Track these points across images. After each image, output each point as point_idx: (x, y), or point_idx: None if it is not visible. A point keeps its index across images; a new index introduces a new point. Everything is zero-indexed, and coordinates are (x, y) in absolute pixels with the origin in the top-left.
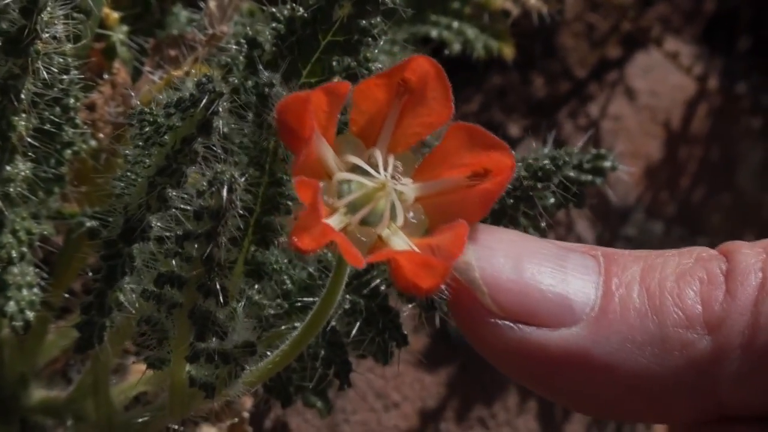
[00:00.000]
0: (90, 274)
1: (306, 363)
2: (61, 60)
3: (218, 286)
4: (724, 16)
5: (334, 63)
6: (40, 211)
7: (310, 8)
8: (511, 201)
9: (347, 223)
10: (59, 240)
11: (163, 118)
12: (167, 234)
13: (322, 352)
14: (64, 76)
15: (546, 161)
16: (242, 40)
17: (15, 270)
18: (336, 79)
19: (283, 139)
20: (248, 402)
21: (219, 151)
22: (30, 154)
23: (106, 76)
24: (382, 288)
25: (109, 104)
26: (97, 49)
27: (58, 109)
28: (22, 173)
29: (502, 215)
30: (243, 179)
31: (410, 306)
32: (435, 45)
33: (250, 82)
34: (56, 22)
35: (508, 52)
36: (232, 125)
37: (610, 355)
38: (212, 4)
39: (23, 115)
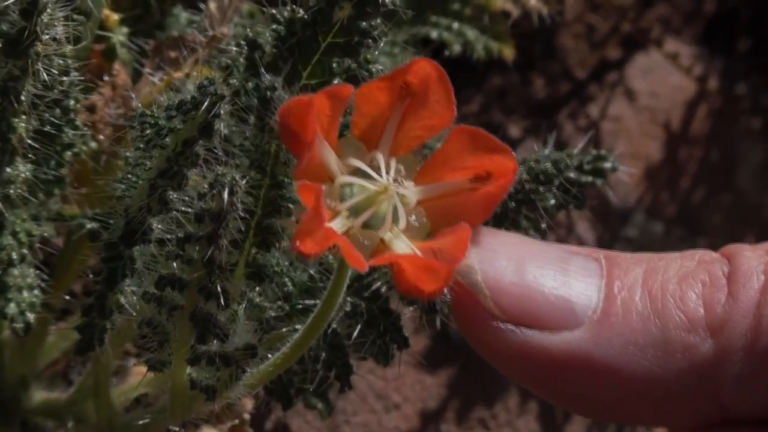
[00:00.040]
0: (90, 276)
1: (307, 365)
2: (61, 62)
3: (219, 289)
4: (723, 17)
5: (335, 64)
6: (40, 213)
7: (310, 10)
8: (513, 204)
9: (349, 226)
10: (60, 242)
11: (164, 120)
12: (168, 236)
13: (323, 355)
14: (64, 78)
15: (548, 164)
16: (242, 42)
17: (15, 272)
18: (336, 81)
19: (286, 143)
20: (249, 404)
21: (220, 153)
22: (30, 155)
23: (106, 78)
24: (383, 290)
25: (110, 106)
26: (97, 51)
27: (58, 110)
28: (23, 175)
29: (503, 218)
30: (244, 182)
31: (411, 308)
32: (435, 46)
33: (251, 84)
34: (56, 23)
35: (509, 53)
36: (233, 128)
37: (613, 358)
38: (212, 6)
39: (23, 117)
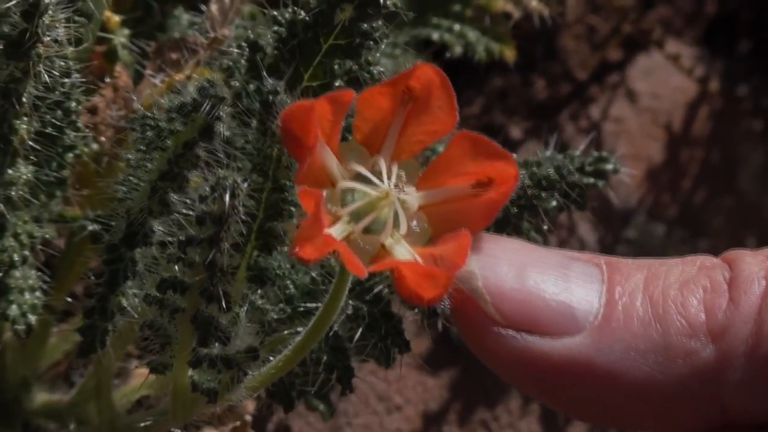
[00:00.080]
0: (92, 277)
1: (308, 368)
2: (63, 63)
3: (221, 292)
4: (724, 19)
5: (336, 66)
6: (41, 215)
7: (311, 11)
8: (515, 209)
9: (350, 231)
10: (61, 243)
11: (164, 122)
12: (170, 239)
13: (325, 357)
14: (66, 80)
15: (550, 170)
16: (244, 44)
17: (17, 273)
18: (338, 83)
19: (287, 147)
20: (251, 405)
21: (221, 156)
22: (32, 157)
23: (107, 80)
24: (385, 294)
25: (111, 107)
26: (99, 53)
27: (59, 112)
28: (24, 176)
29: (505, 223)
30: (246, 185)
31: (413, 312)
32: (436, 48)
33: (252, 87)
34: (58, 25)
35: (510, 54)
36: (235, 130)
37: (614, 363)
38: (213, 7)
39: (25, 119)
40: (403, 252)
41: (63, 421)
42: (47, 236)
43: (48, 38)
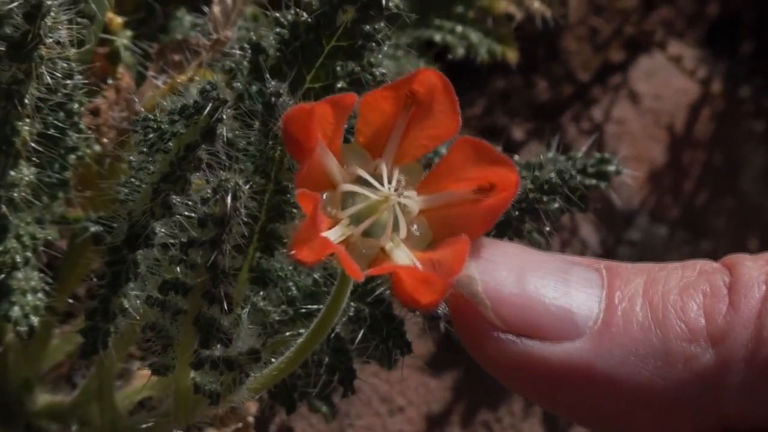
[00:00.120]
0: (94, 279)
1: (310, 369)
2: (65, 65)
3: (223, 294)
4: (726, 20)
5: (338, 68)
6: (44, 216)
7: (313, 13)
8: (517, 213)
9: (349, 234)
10: (63, 245)
11: (167, 124)
12: (171, 241)
13: (327, 359)
14: (68, 81)
15: (552, 174)
16: (246, 45)
17: (19, 275)
18: (340, 84)
19: (289, 150)
20: (253, 407)
21: (224, 158)
22: (34, 159)
23: (110, 81)
24: (387, 296)
25: (113, 109)
26: (101, 54)
27: (62, 113)
28: (27, 178)
29: (507, 227)
30: (248, 187)
31: (415, 314)
32: (439, 49)
33: (254, 88)
34: (60, 27)
35: (512, 56)
36: (237, 132)
37: (613, 368)
38: (216, 9)
39: (27, 120)
40: (402, 256)
41: (65, 422)
42: (49, 238)
43: (50, 40)
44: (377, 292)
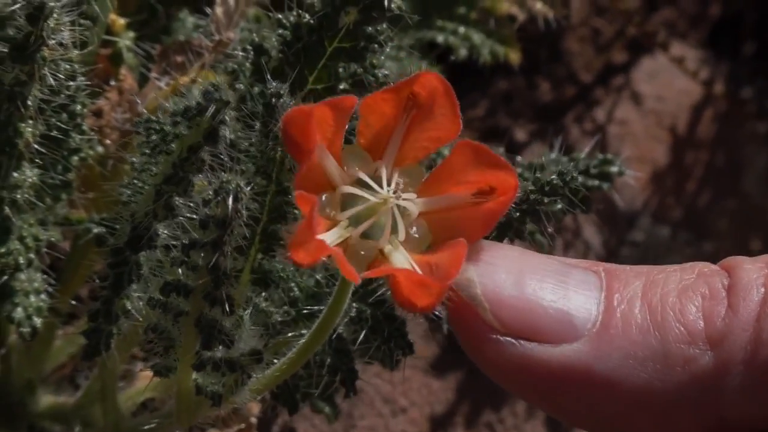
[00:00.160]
0: (97, 280)
1: (312, 370)
2: (68, 66)
3: (224, 295)
4: (729, 21)
5: (341, 69)
6: (47, 218)
7: (316, 15)
8: (518, 214)
9: (348, 236)
10: (66, 246)
11: (169, 126)
12: (174, 242)
13: (329, 360)
14: (71, 83)
15: (554, 176)
16: (249, 47)
17: (22, 276)
18: (342, 86)
19: (288, 151)
20: (255, 408)
21: (226, 159)
22: (37, 160)
23: (112, 83)
24: (388, 296)
25: (116, 110)
26: (104, 56)
27: (65, 115)
28: (30, 180)
29: (507, 228)
30: (249, 188)
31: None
32: (441, 50)
33: (256, 90)
34: (63, 28)
35: (515, 57)
36: (239, 133)
37: (612, 370)
38: (219, 10)
39: (30, 122)
40: (400, 259)
41: (68, 423)
42: (52, 239)
43: (53, 41)
44: (379, 293)
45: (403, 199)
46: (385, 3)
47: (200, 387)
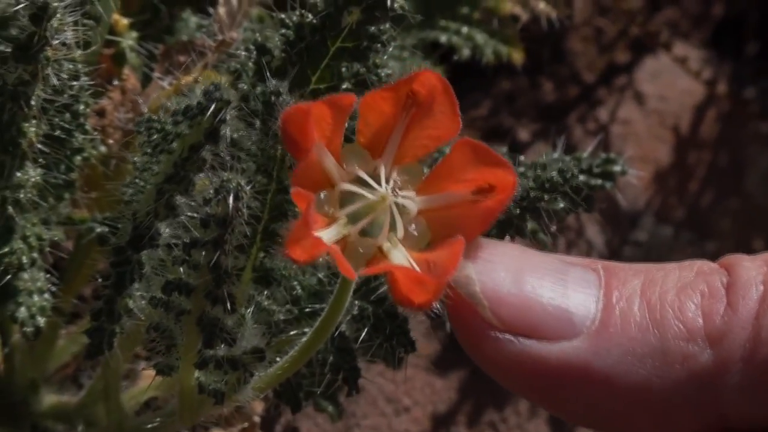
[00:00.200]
0: (100, 280)
1: (315, 369)
2: (71, 66)
3: (226, 293)
4: (731, 21)
5: (344, 69)
6: (50, 217)
7: (319, 14)
8: (518, 211)
9: (347, 233)
10: (69, 246)
11: (170, 125)
12: (175, 241)
13: (331, 358)
14: (74, 83)
15: (554, 173)
16: (251, 47)
17: (26, 276)
18: (345, 85)
19: (287, 149)
20: (259, 406)
21: (227, 158)
22: (40, 160)
23: (115, 82)
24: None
25: (119, 110)
26: (107, 55)
27: (68, 115)
28: (33, 179)
29: (508, 225)
30: (250, 187)
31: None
32: (444, 50)
33: (258, 89)
34: (66, 28)
35: (518, 57)
36: (242, 132)
37: (611, 368)
38: (221, 10)
39: (33, 122)
40: (398, 256)
41: (71, 422)
42: (55, 239)
43: (56, 41)
44: (380, 291)
45: (402, 197)
46: (388, 3)
47: (202, 385)
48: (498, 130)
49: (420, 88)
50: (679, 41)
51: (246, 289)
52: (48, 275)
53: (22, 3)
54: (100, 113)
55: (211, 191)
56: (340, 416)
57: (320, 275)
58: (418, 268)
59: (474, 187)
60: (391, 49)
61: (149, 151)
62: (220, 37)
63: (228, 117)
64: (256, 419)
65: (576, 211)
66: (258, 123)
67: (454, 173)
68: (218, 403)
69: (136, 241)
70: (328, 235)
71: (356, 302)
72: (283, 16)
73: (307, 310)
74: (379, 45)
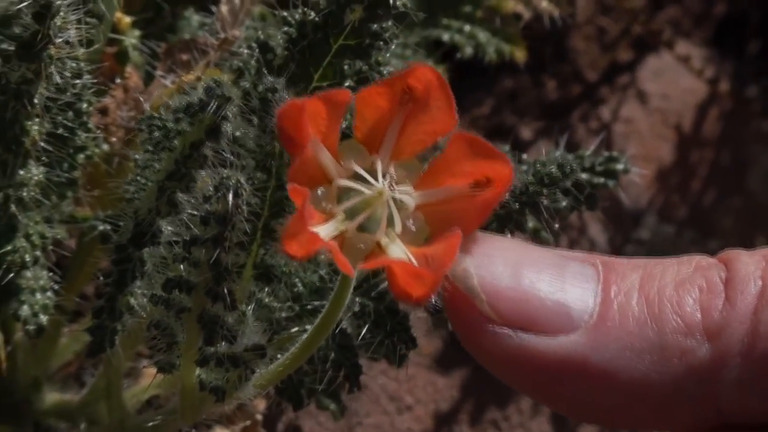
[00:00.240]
0: (101, 278)
1: (317, 366)
2: (74, 64)
3: (226, 291)
4: (734, 20)
5: (346, 67)
6: (53, 215)
7: (321, 12)
8: (517, 206)
9: (344, 229)
10: (72, 244)
11: (172, 123)
12: (176, 239)
13: (333, 355)
14: (77, 81)
15: (553, 168)
16: (254, 45)
17: (28, 274)
18: (347, 83)
19: (284, 145)
20: (261, 404)
21: (228, 155)
22: (43, 158)
23: (118, 81)
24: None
25: (122, 108)
26: (110, 54)
27: (71, 113)
28: (36, 177)
29: (507, 220)
30: (250, 184)
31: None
32: (447, 48)
33: (260, 87)
34: (69, 26)
35: (520, 55)
36: (243, 129)
37: (609, 362)
38: (224, 8)
39: (36, 120)
40: (397, 251)
41: (74, 421)
42: (58, 237)
43: (59, 40)
44: (381, 287)
45: (399, 192)
46: (391, 0)
47: (204, 383)
48: (500, 128)
49: (416, 83)
50: (681, 40)
51: (247, 286)
52: (51, 273)
53: (26, 1)
54: (103, 111)
55: (211, 188)
56: (343, 414)
57: (321, 272)
58: (416, 263)
59: (471, 181)
60: (393, 47)
61: (151, 148)
62: (222, 36)
63: (229, 114)
64: (258, 417)
65: (578, 210)
66: (256, 120)
67: (451, 167)
68: (219, 401)
69: (137, 239)
70: (325, 230)
71: (357, 299)
72: (285, 13)
73: (309, 307)
74: (381, 43)
